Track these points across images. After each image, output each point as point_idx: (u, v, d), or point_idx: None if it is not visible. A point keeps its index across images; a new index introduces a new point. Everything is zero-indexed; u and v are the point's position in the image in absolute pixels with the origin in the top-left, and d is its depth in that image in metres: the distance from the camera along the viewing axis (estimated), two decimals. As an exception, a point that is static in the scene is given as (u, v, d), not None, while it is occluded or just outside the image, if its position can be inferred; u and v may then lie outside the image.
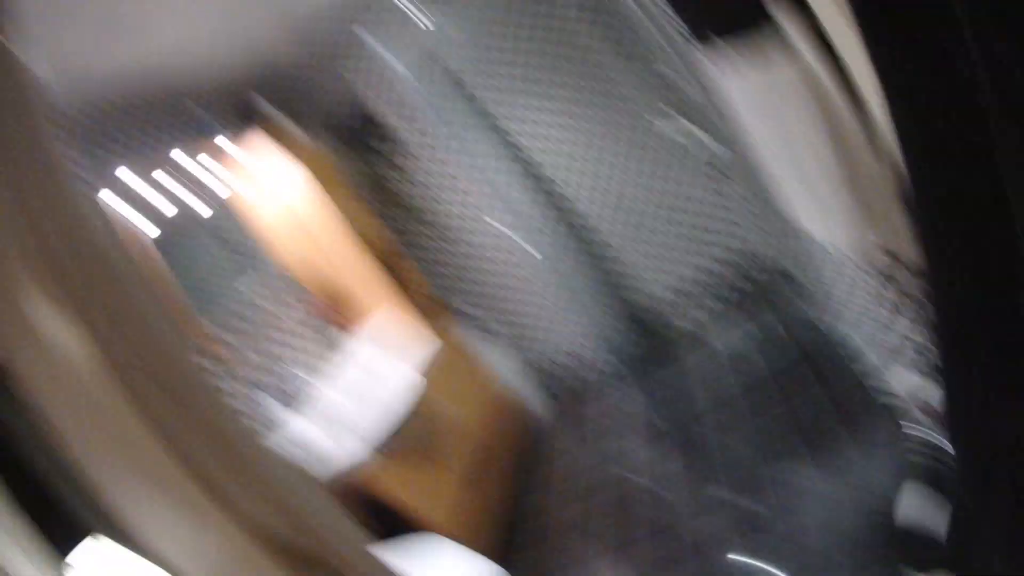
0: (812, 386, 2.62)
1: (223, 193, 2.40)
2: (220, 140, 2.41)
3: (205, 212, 2.29)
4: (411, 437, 2.28)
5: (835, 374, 2.64)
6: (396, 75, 2.86)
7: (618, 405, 3.23)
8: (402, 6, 2.71)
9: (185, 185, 2.22)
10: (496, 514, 2.58)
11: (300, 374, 2.40)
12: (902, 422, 2.17)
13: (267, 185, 2.54)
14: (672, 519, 2.27)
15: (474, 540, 2.25)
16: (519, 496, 2.85)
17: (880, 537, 1.78)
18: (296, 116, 2.71)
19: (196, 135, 2.33)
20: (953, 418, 0.61)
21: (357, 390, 2.44)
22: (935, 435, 1.82)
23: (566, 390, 3.65)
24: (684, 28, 1.65)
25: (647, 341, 3.54)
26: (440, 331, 2.93)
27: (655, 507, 2.37)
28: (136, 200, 1.99)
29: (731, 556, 1.98)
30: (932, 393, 1.60)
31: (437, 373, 2.67)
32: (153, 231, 2.00)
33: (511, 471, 2.93)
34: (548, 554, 2.40)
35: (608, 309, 3.33)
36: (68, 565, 0.55)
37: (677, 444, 2.74)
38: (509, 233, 2.70)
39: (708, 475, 2.41)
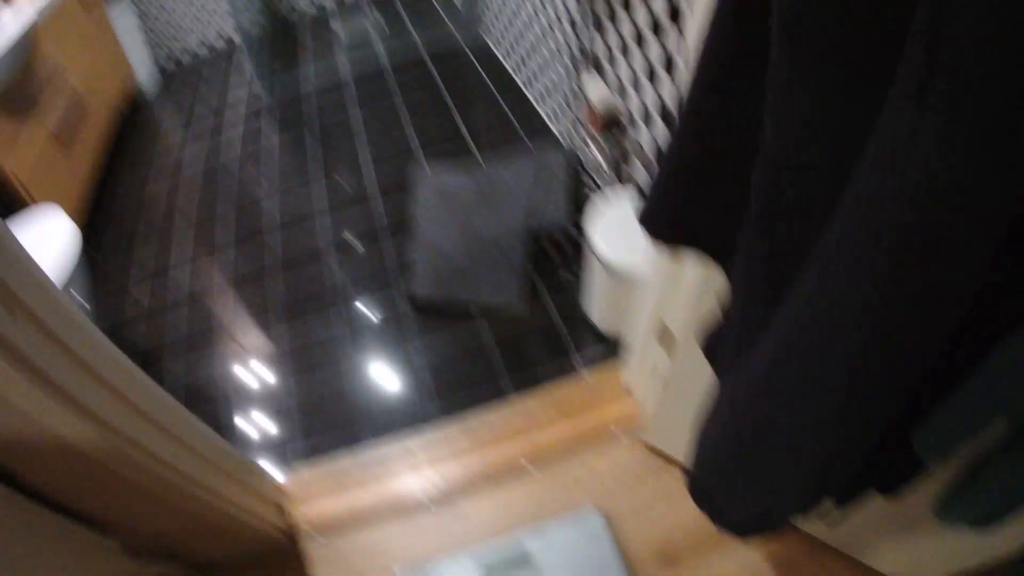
0: (442, 87, 2.64)
1: None
2: None
3: None
4: (9, 79, 2.09)
5: (468, 76, 2.68)
6: None
7: (230, 88, 3.23)
8: None
9: None
10: (84, 177, 2.49)
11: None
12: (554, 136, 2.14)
13: None
14: (257, 200, 2.29)
15: (57, 198, 2.16)
16: (117, 167, 2.78)
17: (515, 243, 1.75)
18: None
19: None
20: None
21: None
22: (583, 143, 1.83)
23: (182, 68, 3.64)
24: None
25: (273, 24, 3.64)
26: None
27: (241, 189, 2.40)
28: None
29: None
30: (592, 89, 1.58)
31: (54, 22, 2.47)
32: None
33: (107, 139, 2.85)
34: (143, 227, 2.36)
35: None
36: None
37: (279, 120, 2.80)
38: None
39: (315, 156, 2.46)
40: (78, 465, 0.66)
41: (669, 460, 1.25)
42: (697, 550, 1.14)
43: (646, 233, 0.61)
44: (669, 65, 1.25)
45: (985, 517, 0.53)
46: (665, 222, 0.59)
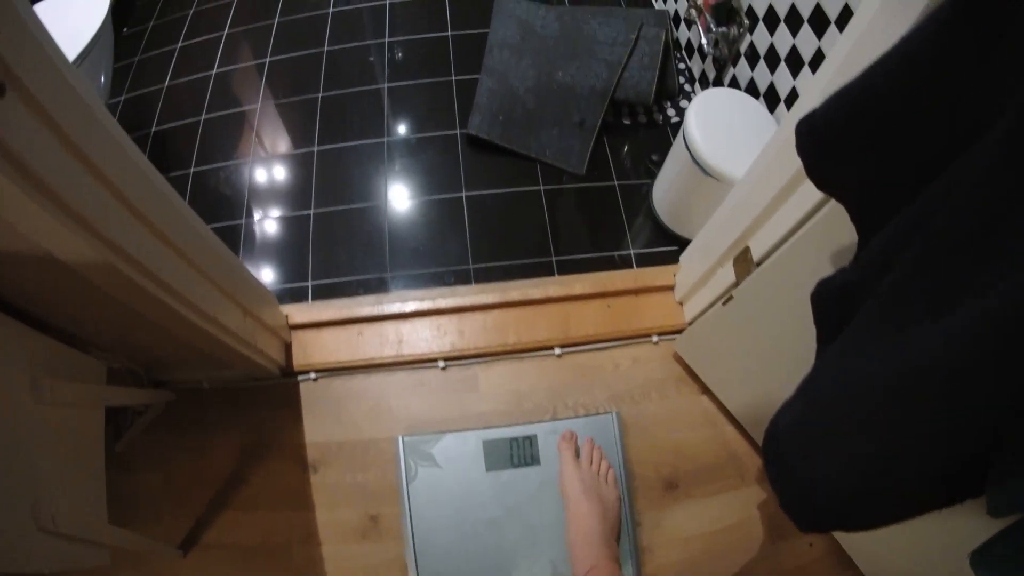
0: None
1: None
2: None
3: None
4: None
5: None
6: None
7: None
8: None
9: None
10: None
11: None
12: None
13: None
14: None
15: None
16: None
17: (596, 104, 1.51)
18: None
19: None
20: None
21: None
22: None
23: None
24: None
25: None
26: None
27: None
28: None
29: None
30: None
31: None
32: None
33: None
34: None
35: None
36: None
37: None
38: None
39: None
40: (60, 281, 0.59)
41: (694, 377, 1.19)
42: (698, 478, 1.13)
43: (807, 160, 0.50)
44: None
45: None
46: (830, 159, 0.48)
